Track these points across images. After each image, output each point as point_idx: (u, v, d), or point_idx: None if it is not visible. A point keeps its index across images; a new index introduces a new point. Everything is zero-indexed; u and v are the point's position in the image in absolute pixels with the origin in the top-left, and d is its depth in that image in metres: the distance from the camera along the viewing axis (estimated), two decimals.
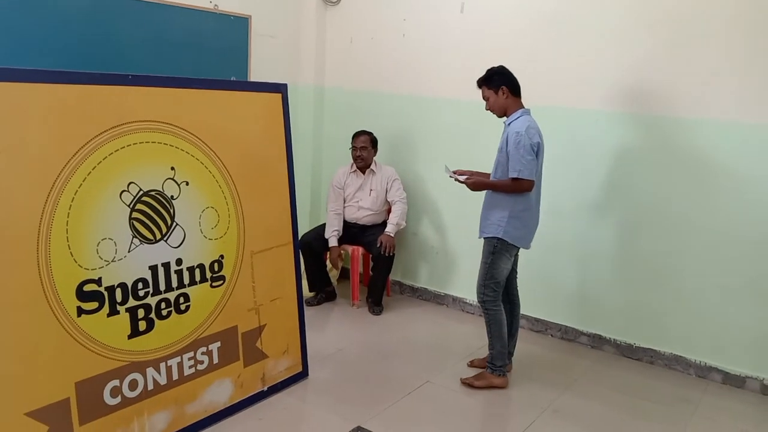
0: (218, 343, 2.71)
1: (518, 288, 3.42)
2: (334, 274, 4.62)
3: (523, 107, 3.13)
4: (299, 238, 3.38)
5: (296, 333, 3.13)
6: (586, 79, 3.68)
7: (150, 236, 2.42)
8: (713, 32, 3.28)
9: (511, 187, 3.04)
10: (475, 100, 3.36)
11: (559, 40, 3.74)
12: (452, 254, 4.40)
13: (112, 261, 2.30)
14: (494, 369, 3.24)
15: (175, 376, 2.55)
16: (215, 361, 2.71)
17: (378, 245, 4.10)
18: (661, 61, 3.44)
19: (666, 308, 3.60)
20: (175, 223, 2.51)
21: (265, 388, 2.96)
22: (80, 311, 2.21)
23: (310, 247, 4.21)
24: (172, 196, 2.49)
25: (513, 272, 3.33)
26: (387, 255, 4.12)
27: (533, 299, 3.93)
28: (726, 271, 3.40)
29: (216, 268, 2.69)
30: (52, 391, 2.14)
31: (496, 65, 3.17)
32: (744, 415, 3.16)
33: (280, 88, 3.01)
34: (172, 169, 2.49)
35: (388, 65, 4.49)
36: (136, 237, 2.37)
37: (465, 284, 4.28)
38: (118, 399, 2.35)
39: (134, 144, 2.35)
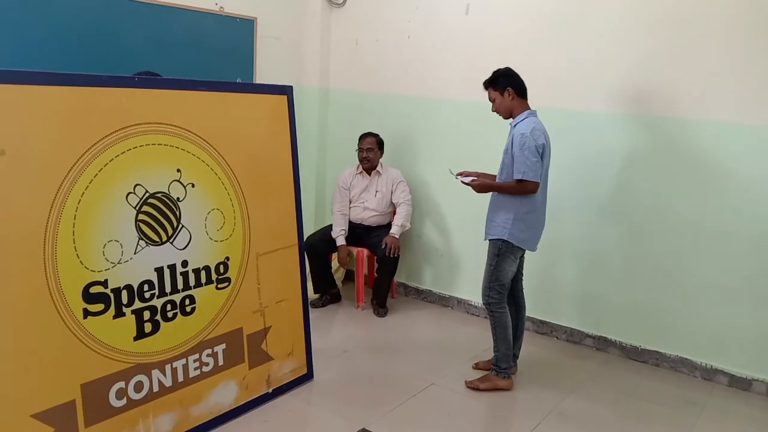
0: (223, 345, 2.72)
1: (524, 290, 3.41)
2: (339, 276, 4.63)
3: (530, 109, 3.13)
4: (304, 240, 3.39)
5: (301, 335, 3.13)
6: (588, 80, 3.67)
7: (156, 238, 2.43)
8: (714, 32, 3.28)
9: (516, 189, 3.03)
10: (480, 101, 3.35)
11: (563, 42, 3.73)
12: (457, 256, 4.40)
13: (118, 263, 2.30)
14: (499, 371, 3.24)
15: (181, 378, 2.55)
16: (220, 363, 2.71)
17: (383, 247, 4.10)
18: (663, 62, 3.43)
19: (671, 310, 3.59)
20: (181, 225, 2.51)
21: (270, 390, 2.96)
22: (86, 313, 2.21)
23: (315, 249, 4.21)
24: (178, 198, 2.50)
25: (518, 274, 3.32)
26: (392, 257, 4.12)
27: (538, 301, 3.92)
28: (731, 272, 3.38)
29: (221, 270, 2.69)
30: (57, 393, 2.15)
31: (501, 67, 3.16)
32: (750, 418, 3.14)
33: (286, 90, 3.01)
34: (178, 171, 2.50)
35: (393, 67, 4.49)
36: (142, 239, 2.38)
37: (470, 286, 4.27)
38: (124, 401, 2.35)
39: (140, 146, 2.36)
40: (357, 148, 4.32)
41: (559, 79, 3.75)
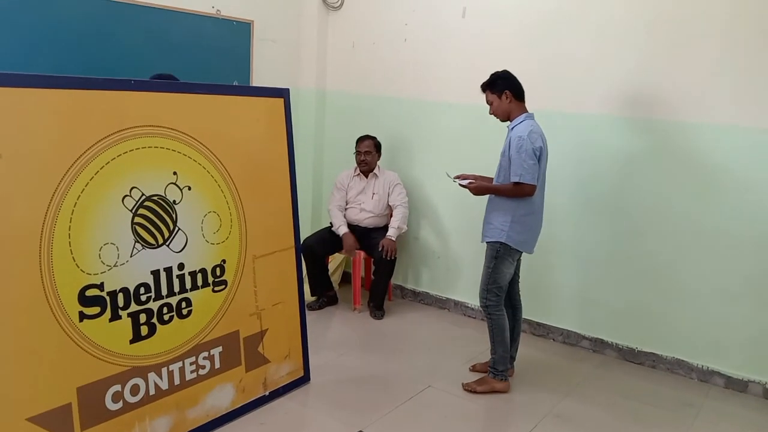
0: (220, 348, 2.71)
1: (520, 292, 3.41)
2: (335, 278, 4.63)
3: (527, 111, 3.13)
4: (301, 242, 3.38)
5: (298, 337, 3.13)
6: (586, 82, 3.68)
7: (152, 241, 2.43)
8: (713, 35, 3.29)
9: (513, 192, 3.04)
10: (477, 103, 3.36)
11: (560, 45, 3.74)
12: (454, 258, 4.40)
13: (114, 266, 2.30)
14: (496, 374, 3.24)
15: (177, 381, 2.55)
16: (217, 365, 2.71)
17: (380, 249, 4.10)
18: (661, 64, 3.44)
19: (667, 312, 3.60)
20: (177, 228, 2.51)
21: (267, 393, 2.95)
22: (82, 316, 2.21)
23: (312, 251, 4.21)
24: (174, 201, 2.49)
25: (515, 277, 3.33)
26: (389, 259, 4.12)
27: (535, 303, 3.93)
28: (727, 274, 3.39)
29: (218, 273, 2.69)
30: (53, 397, 2.14)
31: (499, 69, 3.17)
32: (747, 420, 3.15)
33: (282, 93, 3.01)
34: (175, 173, 2.49)
35: (390, 69, 4.50)
36: (139, 242, 2.38)
37: (466, 288, 4.27)
38: (120, 404, 2.35)
39: (137, 149, 2.36)
40: (354, 151, 4.33)
41: (557, 82, 3.76)
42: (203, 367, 2.65)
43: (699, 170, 3.42)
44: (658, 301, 3.62)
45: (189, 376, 2.60)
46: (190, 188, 2.55)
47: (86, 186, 2.19)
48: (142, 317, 2.41)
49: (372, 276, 4.40)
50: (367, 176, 4.36)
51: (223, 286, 2.72)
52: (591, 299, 3.85)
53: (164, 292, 2.48)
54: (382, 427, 2.86)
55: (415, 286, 4.64)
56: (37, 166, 2.07)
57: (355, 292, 4.35)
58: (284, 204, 3.03)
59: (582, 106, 3.71)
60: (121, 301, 2.33)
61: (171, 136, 2.48)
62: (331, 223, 4.43)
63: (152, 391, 2.46)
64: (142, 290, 2.40)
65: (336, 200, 4.38)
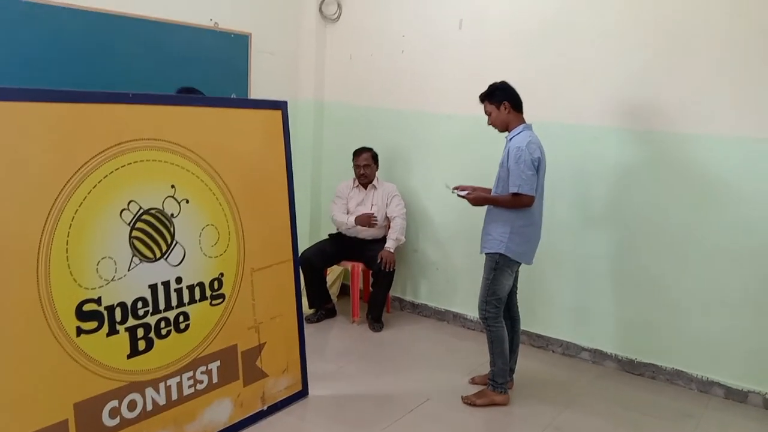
0: (218, 362, 2.69)
1: (518, 304, 3.40)
2: (334, 291, 4.61)
3: (525, 122, 3.14)
4: (299, 255, 3.37)
5: (296, 351, 3.11)
6: (584, 94, 3.69)
7: (150, 255, 2.41)
8: (709, 48, 3.30)
9: (512, 203, 3.04)
10: (475, 114, 3.37)
11: (558, 56, 3.76)
12: (452, 270, 4.39)
13: (112, 280, 2.29)
14: (496, 386, 3.22)
15: (175, 396, 2.53)
16: (215, 380, 2.69)
17: (378, 261, 4.09)
18: (659, 76, 3.46)
19: (667, 322, 3.59)
20: (175, 242, 2.50)
21: (265, 408, 2.93)
22: (79, 331, 2.19)
23: (311, 264, 4.20)
24: (172, 214, 2.48)
25: (513, 288, 3.32)
26: (387, 271, 4.11)
27: (534, 315, 3.92)
28: (726, 285, 3.39)
29: (216, 286, 2.68)
30: (50, 413, 2.12)
31: (496, 80, 3.18)
32: (747, 430, 3.14)
33: (280, 106, 3.01)
34: (173, 187, 2.49)
35: (388, 80, 4.51)
36: (136, 255, 2.36)
37: (465, 300, 4.26)
38: (117, 420, 2.33)
39: (135, 162, 2.35)
40: (353, 164, 4.33)
41: (555, 93, 3.77)
42: (201, 381, 2.63)
43: (697, 181, 3.43)
44: (657, 312, 3.62)
45: (187, 391, 2.57)
46: (188, 201, 2.54)
47: (84, 200, 2.18)
48: (140, 332, 2.39)
49: (370, 288, 4.38)
50: (366, 188, 4.36)
51: (221, 300, 2.70)
52: (590, 310, 3.84)
53: (162, 306, 2.47)
54: None
55: (414, 298, 4.63)
56: (34, 180, 2.07)
57: (354, 304, 4.33)
58: (282, 216, 3.02)
59: (580, 117, 3.72)
60: (118, 316, 2.32)
61: (169, 149, 2.47)
62: (330, 234, 4.42)
63: (150, 407, 2.43)
64: (139, 304, 2.39)
65: (338, 207, 4.38)
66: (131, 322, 2.36)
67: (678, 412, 3.27)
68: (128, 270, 2.34)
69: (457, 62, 4.16)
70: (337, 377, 3.46)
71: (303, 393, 3.15)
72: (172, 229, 2.49)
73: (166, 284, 2.48)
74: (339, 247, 4.34)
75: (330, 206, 4.46)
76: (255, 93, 4.32)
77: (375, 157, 4.34)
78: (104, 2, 3.47)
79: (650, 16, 3.45)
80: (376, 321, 4.24)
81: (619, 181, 3.66)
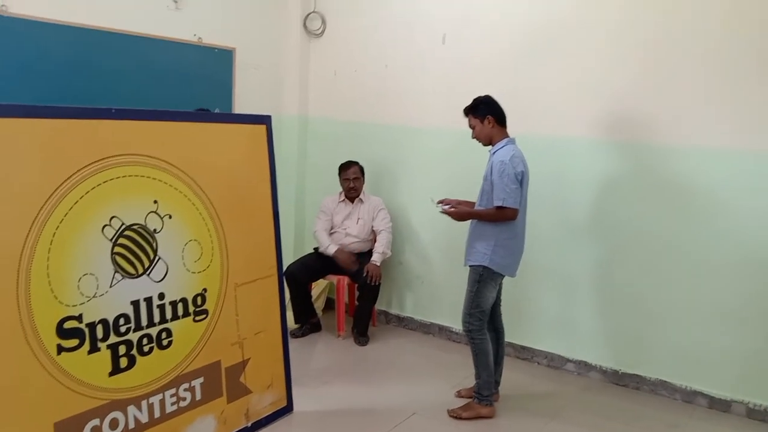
0: (201, 379, 2.67)
1: (503, 316, 3.41)
2: (319, 305, 4.60)
3: (509, 136, 3.17)
4: (284, 269, 3.36)
5: (281, 366, 3.09)
6: (567, 107, 3.73)
7: (132, 271, 2.40)
8: (692, 62, 3.35)
9: (496, 216, 3.06)
10: (459, 128, 3.39)
11: (540, 70, 3.81)
12: (438, 283, 4.40)
13: (94, 297, 2.26)
14: (481, 399, 3.22)
15: (157, 414, 2.50)
16: (198, 397, 2.66)
17: (364, 275, 4.08)
18: (642, 90, 3.50)
19: (651, 334, 3.62)
20: (157, 257, 2.48)
21: (249, 424, 2.90)
22: (60, 349, 2.17)
23: (295, 278, 4.18)
24: (154, 230, 2.47)
25: (497, 300, 3.33)
26: (373, 284, 4.10)
27: (519, 327, 3.93)
28: (708, 295, 3.42)
29: (199, 302, 2.66)
30: None
31: (482, 95, 3.21)
32: None
33: (264, 120, 3.01)
34: (155, 202, 2.48)
35: (372, 95, 4.53)
36: (118, 272, 2.35)
37: (451, 313, 4.26)
38: None
39: (117, 178, 2.34)
40: (341, 178, 4.33)
41: (538, 107, 3.81)
42: (184, 399, 2.60)
43: (680, 194, 3.46)
44: (640, 323, 3.64)
45: (169, 409, 2.55)
46: (170, 217, 2.53)
47: (65, 216, 2.17)
48: (122, 349, 2.37)
49: (356, 302, 4.37)
50: (353, 201, 4.37)
51: (204, 316, 2.69)
52: (575, 322, 3.86)
53: (144, 322, 2.45)
54: None
55: (400, 311, 4.63)
56: (15, 195, 2.05)
57: (339, 318, 4.32)
58: (266, 230, 3.02)
59: (563, 131, 3.76)
60: (100, 333, 2.29)
61: (152, 165, 2.46)
62: (315, 248, 4.41)
63: (132, 425, 2.40)
64: (121, 321, 2.37)
65: (321, 223, 4.36)
66: (113, 339, 2.34)
67: (663, 423, 3.29)
68: (110, 286, 2.32)
69: (441, 77, 4.19)
70: (322, 392, 3.44)
71: (288, 409, 3.13)
72: (154, 245, 2.47)
73: (149, 300, 2.46)
74: (324, 260, 4.33)
75: (314, 221, 4.45)
76: (239, 108, 4.33)
77: (362, 171, 4.35)
78: (88, 17, 3.47)
79: (634, 31, 3.50)
80: (361, 335, 4.23)
81: (602, 194, 3.69)
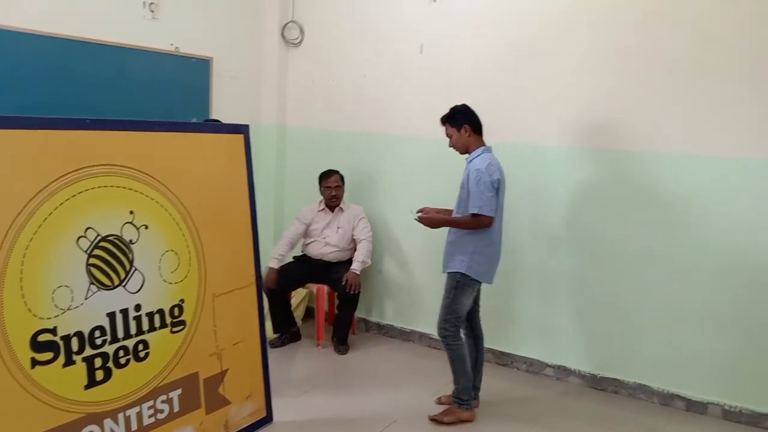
0: (179, 391, 2.65)
1: (482, 322, 3.43)
2: (298, 314, 4.58)
3: (485, 145, 3.21)
4: (263, 279, 3.35)
5: (260, 377, 3.07)
6: (544, 116, 3.78)
7: (108, 282, 2.37)
8: (667, 71, 3.41)
9: (471, 223, 3.09)
10: (437, 137, 3.42)
11: (517, 79, 3.85)
12: (417, 290, 4.41)
13: (69, 309, 2.24)
14: (461, 403, 3.24)
15: (134, 427, 2.47)
16: (176, 409, 2.63)
17: (343, 283, 4.08)
18: (619, 97, 3.56)
19: (628, 338, 3.66)
20: (133, 268, 2.46)
21: None
22: (34, 362, 2.14)
23: (274, 288, 4.16)
24: (131, 241, 2.45)
25: (476, 306, 3.36)
26: (352, 293, 4.10)
27: (498, 333, 3.95)
28: (684, 300, 3.48)
29: (176, 313, 2.64)
30: None
31: (458, 103, 3.24)
32: None
33: (242, 130, 3.01)
34: (132, 213, 2.46)
35: (351, 104, 4.55)
36: (94, 283, 2.32)
37: (431, 320, 4.20)
38: None
39: (92, 188, 2.32)
40: (321, 186, 4.33)
41: (515, 115, 3.85)
42: (161, 411, 2.57)
43: (657, 200, 3.52)
44: (618, 328, 3.68)
45: (147, 421, 2.52)
46: (147, 227, 2.51)
47: (39, 228, 2.14)
48: (98, 361, 2.34)
49: (336, 310, 4.36)
50: (333, 210, 4.36)
51: (182, 327, 2.66)
52: (554, 327, 3.90)
53: (120, 334, 2.42)
54: None
55: (380, 318, 4.63)
56: None
57: (319, 327, 4.31)
58: (245, 240, 3.00)
59: (540, 139, 3.80)
60: (75, 346, 2.26)
61: (128, 175, 2.44)
62: (294, 257, 4.40)
63: None
64: (97, 333, 2.34)
65: (291, 231, 4.36)
66: (88, 351, 2.31)
67: (641, 426, 3.32)
68: (85, 298, 2.29)
69: (420, 86, 4.22)
70: (302, 402, 3.42)
71: (267, 419, 3.11)
72: (130, 256, 2.45)
73: (125, 312, 2.44)
74: (303, 269, 4.33)
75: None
76: (216, 117, 4.30)
77: (343, 179, 4.35)
78: (63, 27, 3.44)
79: (610, 39, 3.55)
80: (341, 343, 4.22)
81: (581, 201, 3.74)
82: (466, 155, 3.23)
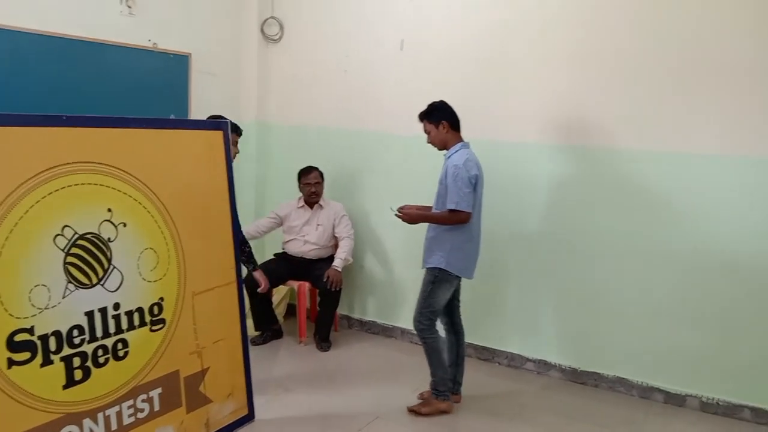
0: (159, 389, 2.63)
1: (463, 317, 3.45)
2: (280, 311, 4.57)
3: (463, 141, 3.22)
4: (243, 276, 3.33)
5: (241, 374, 3.05)
6: (522, 112, 3.80)
7: (86, 281, 2.35)
8: (643, 68, 3.44)
9: (449, 219, 3.10)
10: (417, 134, 3.42)
11: (496, 76, 3.87)
12: (399, 286, 4.42)
13: (46, 308, 2.21)
14: (439, 394, 3.28)
15: (114, 426, 2.45)
16: (156, 408, 2.61)
17: (325, 280, 4.08)
18: (596, 94, 3.58)
19: (607, 332, 3.70)
20: (112, 266, 2.44)
21: None
22: (10, 362, 2.11)
23: (255, 285, 4.14)
24: (108, 239, 2.42)
25: (456, 302, 3.38)
26: (334, 290, 4.10)
27: (479, 328, 3.98)
28: (663, 294, 3.52)
29: (156, 311, 2.62)
30: None
31: (437, 100, 3.25)
32: None
33: (221, 126, 2.99)
34: (109, 210, 2.43)
35: (332, 101, 4.53)
36: (71, 282, 2.29)
37: (412, 315, 4.28)
38: None
39: (69, 186, 2.29)
40: (300, 183, 4.31)
41: (493, 112, 3.86)
42: (142, 410, 2.56)
43: (634, 196, 3.55)
44: (598, 322, 3.73)
45: (127, 421, 2.50)
46: (125, 225, 2.48)
47: (15, 226, 2.11)
48: (76, 361, 2.32)
49: (317, 307, 4.36)
50: (312, 207, 4.35)
51: (162, 325, 2.64)
52: (534, 322, 3.93)
53: (99, 333, 2.40)
54: None
55: (362, 315, 4.63)
56: None
57: (301, 324, 4.30)
58: (225, 238, 2.99)
59: (519, 135, 3.82)
60: (53, 345, 2.24)
61: (105, 172, 2.42)
62: (275, 254, 4.39)
63: None
64: (75, 332, 2.31)
65: (264, 220, 4.38)
66: (66, 351, 2.28)
67: (620, 420, 3.36)
68: (63, 297, 2.26)
69: (400, 82, 4.22)
70: (284, 399, 3.42)
71: (249, 417, 3.10)
72: (108, 254, 2.42)
73: (104, 311, 2.41)
74: (285, 266, 4.31)
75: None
76: (196, 114, 4.27)
77: (322, 176, 4.34)
78: (38, 22, 3.38)
79: (590, 37, 3.57)
80: (323, 340, 4.22)
81: (559, 197, 3.77)
82: (444, 151, 3.24)
